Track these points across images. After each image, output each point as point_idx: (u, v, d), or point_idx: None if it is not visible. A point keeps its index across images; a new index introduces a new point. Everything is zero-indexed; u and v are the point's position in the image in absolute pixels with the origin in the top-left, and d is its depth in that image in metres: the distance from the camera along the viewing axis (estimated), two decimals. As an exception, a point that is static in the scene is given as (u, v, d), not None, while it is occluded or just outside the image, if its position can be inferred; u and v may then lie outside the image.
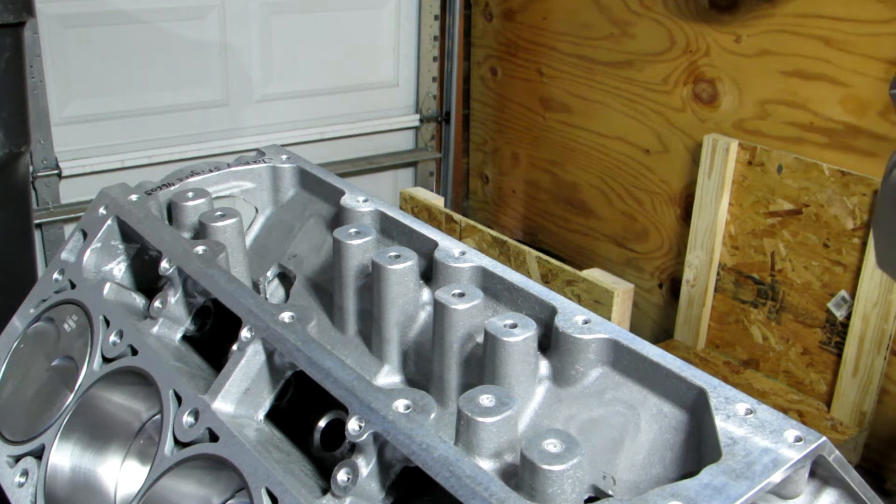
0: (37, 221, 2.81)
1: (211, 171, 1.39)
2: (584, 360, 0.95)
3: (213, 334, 1.24)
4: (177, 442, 0.99)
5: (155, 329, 1.15)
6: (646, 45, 2.93)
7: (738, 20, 2.62)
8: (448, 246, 1.13)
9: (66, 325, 1.22)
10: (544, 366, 0.98)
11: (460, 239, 2.35)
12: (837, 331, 2.45)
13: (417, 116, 3.70)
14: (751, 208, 2.61)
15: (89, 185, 2.94)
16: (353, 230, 1.17)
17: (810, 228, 2.46)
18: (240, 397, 1.00)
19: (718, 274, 2.74)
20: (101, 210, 1.30)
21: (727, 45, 2.67)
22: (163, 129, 3.09)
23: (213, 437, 0.96)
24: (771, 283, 2.60)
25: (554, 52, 3.30)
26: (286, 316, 1.01)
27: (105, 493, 1.11)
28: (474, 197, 3.95)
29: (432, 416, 0.85)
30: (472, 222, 2.36)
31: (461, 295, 1.01)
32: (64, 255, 1.30)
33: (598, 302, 1.99)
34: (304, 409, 1.13)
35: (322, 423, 1.10)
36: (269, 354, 1.00)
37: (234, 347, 1.01)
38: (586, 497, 0.89)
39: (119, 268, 1.31)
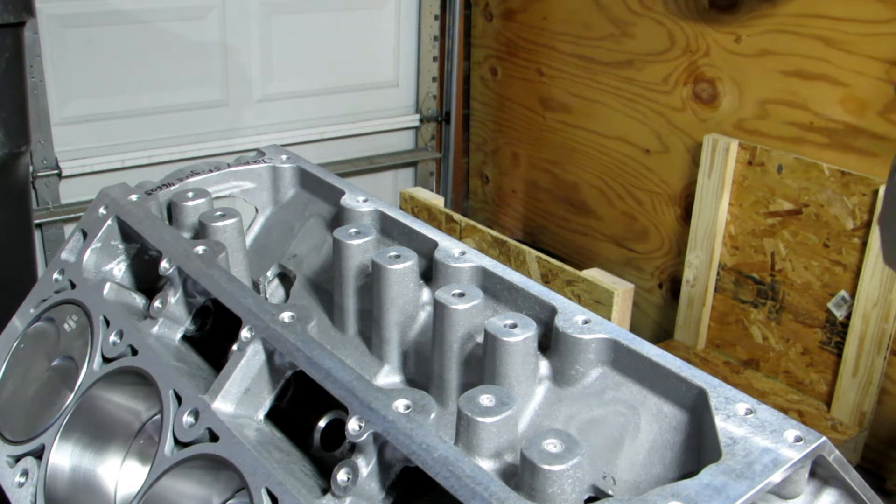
0: (37, 221, 2.81)
1: (211, 171, 1.39)
2: (585, 360, 0.95)
3: (213, 334, 1.24)
4: (177, 442, 0.99)
5: (155, 329, 1.15)
6: (646, 45, 2.93)
7: (738, 20, 2.62)
8: (448, 246, 1.13)
9: (66, 325, 1.22)
10: (544, 366, 0.98)
11: (460, 239, 2.35)
12: (837, 331, 2.44)
13: (417, 116, 3.70)
14: (751, 208, 2.61)
15: (89, 185, 2.94)
16: (353, 230, 1.17)
17: (810, 228, 2.46)
18: (240, 397, 1.00)
19: (718, 274, 2.74)
20: (101, 210, 1.30)
21: (727, 45, 2.67)
22: (163, 129, 3.09)
23: (213, 437, 0.96)
24: (771, 283, 2.60)
25: (554, 52, 3.30)
26: (286, 316, 1.01)
27: (105, 493, 1.11)
28: (474, 197, 3.94)
29: (432, 416, 0.85)
30: (472, 222, 2.35)
31: (461, 295, 1.01)
32: (64, 255, 1.30)
33: (599, 302, 1.99)
34: (304, 409, 1.13)
35: (322, 423, 1.10)
36: (269, 354, 1.00)
37: (234, 347, 1.01)
38: (586, 497, 0.89)
39: (119, 268, 1.31)
